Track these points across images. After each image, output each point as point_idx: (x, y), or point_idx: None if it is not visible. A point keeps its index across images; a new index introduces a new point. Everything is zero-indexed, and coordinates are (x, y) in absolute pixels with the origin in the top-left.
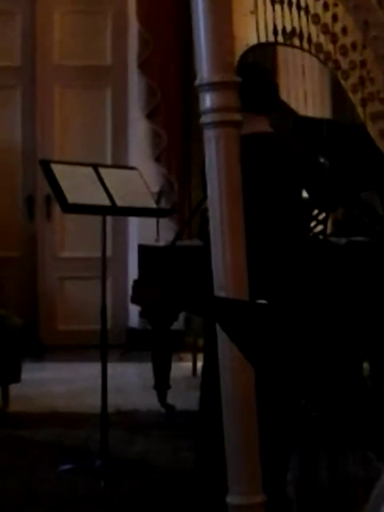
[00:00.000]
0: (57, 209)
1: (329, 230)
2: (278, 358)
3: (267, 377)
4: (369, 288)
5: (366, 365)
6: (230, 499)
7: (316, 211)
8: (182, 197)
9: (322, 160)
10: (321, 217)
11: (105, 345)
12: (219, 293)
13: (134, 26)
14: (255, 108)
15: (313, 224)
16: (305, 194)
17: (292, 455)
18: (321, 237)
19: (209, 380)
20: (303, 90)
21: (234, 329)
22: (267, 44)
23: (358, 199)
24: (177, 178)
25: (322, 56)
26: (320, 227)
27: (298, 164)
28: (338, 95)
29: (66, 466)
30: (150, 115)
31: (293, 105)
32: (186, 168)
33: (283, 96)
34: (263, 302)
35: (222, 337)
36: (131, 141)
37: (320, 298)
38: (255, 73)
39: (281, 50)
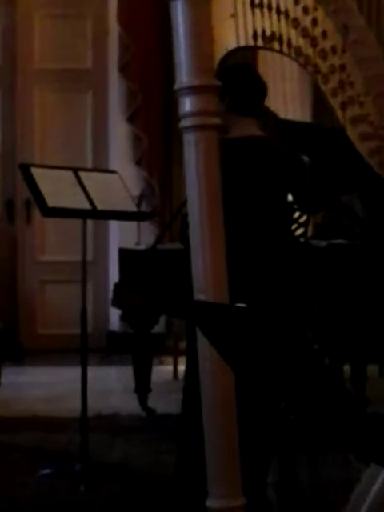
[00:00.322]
0: (37, 213)
1: (310, 233)
2: (257, 362)
3: (247, 380)
4: (349, 290)
5: (346, 367)
6: (210, 502)
7: (297, 214)
8: (162, 200)
9: (306, 160)
10: (302, 220)
11: (85, 348)
12: (199, 296)
13: (114, 30)
14: (244, 110)
15: (294, 227)
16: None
17: (272, 458)
18: (302, 239)
19: (191, 383)
20: (284, 94)
21: (213, 332)
22: (247, 48)
23: (338, 202)
24: (158, 182)
25: (301, 60)
26: (301, 230)
27: (285, 168)
28: (318, 98)
29: (46, 471)
30: (131, 118)
31: (273, 108)
32: (167, 171)
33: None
34: (243, 305)
35: (201, 340)
36: (112, 144)
37: (300, 301)
38: (245, 75)
39: (261, 53)
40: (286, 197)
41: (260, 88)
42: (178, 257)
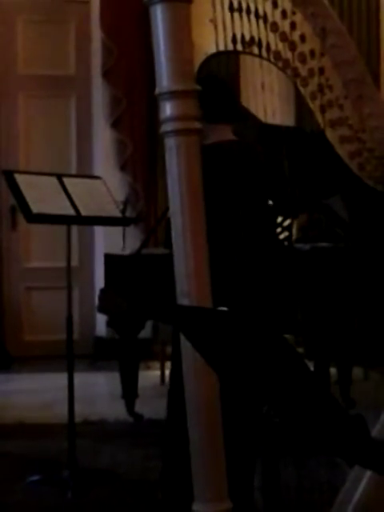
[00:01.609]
0: (22, 219)
1: (294, 236)
2: (241, 365)
3: (230, 384)
4: (333, 293)
5: (333, 370)
6: (197, 507)
7: (281, 218)
8: (147, 205)
9: (285, 162)
10: (286, 223)
11: (71, 355)
12: (182, 300)
13: (97, 35)
14: (215, 118)
15: (278, 231)
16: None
17: (257, 461)
18: (286, 243)
19: (176, 387)
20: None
21: (196, 336)
22: (226, 52)
23: (321, 205)
24: (142, 187)
25: (280, 64)
26: (285, 233)
27: (261, 171)
28: (301, 102)
29: (34, 477)
30: (115, 124)
31: (255, 112)
32: (152, 176)
33: (245, 103)
34: (225, 309)
35: (185, 344)
36: (96, 150)
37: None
38: (212, 84)
39: (243, 58)
40: (265, 200)
41: (229, 94)
42: (163, 261)
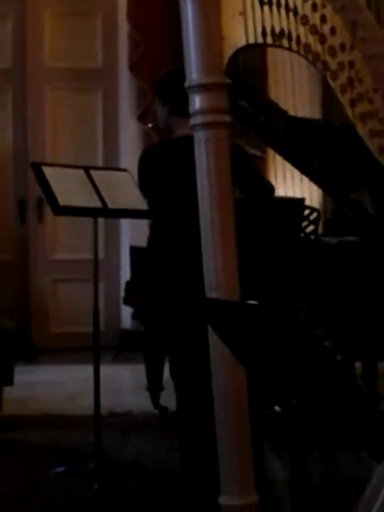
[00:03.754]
0: (48, 211)
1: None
2: (269, 359)
3: (258, 377)
4: (360, 287)
5: (358, 364)
6: (223, 500)
7: (307, 211)
8: None
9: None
10: (312, 217)
11: (97, 347)
12: (210, 294)
13: (124, 28)
14: (185, 112)
15: (304, 224)
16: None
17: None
18: (312, 237)
19: (183, 378)
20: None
21: (225, 329)
22: (256, 45)
23: (348, 198)
24: None
25: (310, 57)
26: (311, 227)
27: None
28: (328, 95)
29: (60, 469)
30: (141, 117)
31: (283, 105)
32: None
33: (273, 96)
34: (254, 302)
35: (213, 338)
36: (122, 142)
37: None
38: (183, 79)
39: (270, 51)
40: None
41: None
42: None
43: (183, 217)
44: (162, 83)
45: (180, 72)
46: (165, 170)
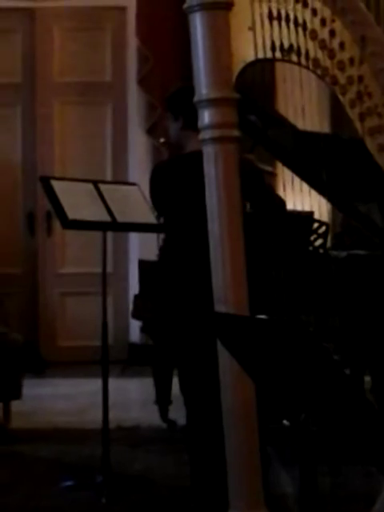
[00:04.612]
0: (57, 225)
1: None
2: (279, 373)
3: (268, 391)
4: (369, 301)
5: (367, 378)
6: None
7: (316, 225)
8: None
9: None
10: (321, 230)
11: (106, 360)
12: (219, 308)
13: (133, 42)
14: (196, 126)
15: (313, 237)
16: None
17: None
18: (321, 250)
19: (192, 394)
20: (301, 105)
21: (234, 344)
22: (265, 60)
23: (357, 212)
24: None
25: (319, 71)
26: (320, 241)
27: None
28: (336, 110)
29: (68, 483)
30: (150, 131)
31: (291, 119)
32: None
33: (282, 111)
34: (263, 317)
35: (222, 353)
36: (131, 156)
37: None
38: (192, 93)
39: (279, 65)
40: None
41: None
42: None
43: (195, 231)
44: (174, 98)
45: (191, 87)
46: (177, 184)
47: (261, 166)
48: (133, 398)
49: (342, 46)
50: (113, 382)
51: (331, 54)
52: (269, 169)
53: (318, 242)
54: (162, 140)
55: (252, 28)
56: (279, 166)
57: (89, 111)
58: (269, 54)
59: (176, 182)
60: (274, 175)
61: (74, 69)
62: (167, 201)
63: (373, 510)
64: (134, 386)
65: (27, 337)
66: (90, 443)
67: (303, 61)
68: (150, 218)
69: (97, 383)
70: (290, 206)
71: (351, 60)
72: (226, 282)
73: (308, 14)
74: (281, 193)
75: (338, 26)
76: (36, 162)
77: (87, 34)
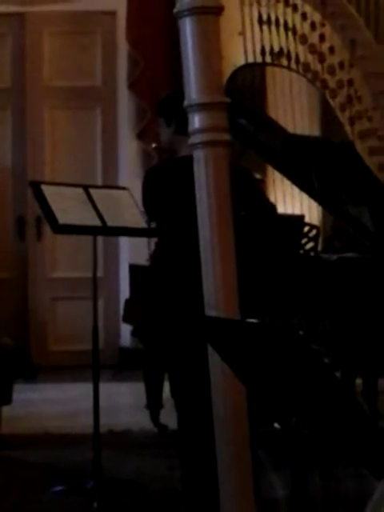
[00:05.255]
0: (48, 229)
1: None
2: (269, 376)
3: (258, 395)
4: (360, 304)
5: (358, 381)
6: None
7: (306, 228)
8: None
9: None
10: (312, 234)
11: (97, 365)
12: (210, 312)
13: (123, 46)
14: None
15: (304, 241)
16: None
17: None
18: (312, 253)
19: (183, 399)
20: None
21: (225, 348)
22: (255, 64)
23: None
24: None
25: (309, 75)
26: (311, 244)
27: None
28: (327, 113)
29: (59, 488)
30: (141, 135)
31: (282, 123)
32: None
33: (272, 115)
34: (254, 321)
35: (213, 357)
36: (121, 161)
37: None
38: (183, 98)
39: (269, 69)
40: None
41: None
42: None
43: (187, 236)
44: (166, 104)
45: (182, 92)
46: (170, 189)
47: (254, 175)
48: (124, 403)
49: (331, 50)
50: (104, 387)
51: (321, 58)
52: (259, 177)
53: (309, 246)
54: (153, 145)
55: (242, 32)
56: (270, 169)
57: (79, 115)
58: (259, 59)
59: (169, 186)
60: (262, 182)
61: (64, 73)
62: (160, 205)
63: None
64: (125, 390)
65: (18, 341)
66: (81, 448)
67: (293, 65)
68: (140, 222)
69: (88, 387)
70: (280, 210)
71: (341, 64)
72: (216, 286)
73: (298, 18)
74: (271, 197)
75: (327, 30)
76: (26, 167)
77: (77, 39)
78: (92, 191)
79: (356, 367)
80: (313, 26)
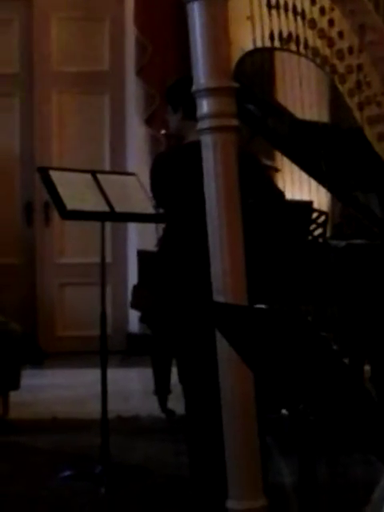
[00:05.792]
0: (56, 215)
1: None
2: (277, 362)
3: (266, 381)
4: (369, 290)
5: (366, 367)
6: (231, 504)
7: (315, 214)
8: None
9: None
10: (320, 220)
11: (105, 350)
12: (218, 297)
13: (131, 32)
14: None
15: (312, 227)
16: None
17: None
18: (320, 240)
19: (191, 384)
20: (300, 94)
21: (233, 334)
22: (264, 49)
23: (356, 201)
24: None
25: (318, 60)
26: (319, 230)
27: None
28: (335, 99)
29: (67, 473)
30: (149, 121)
31: (290, 108)
32: None
33: (281, 100)
34: (262, 306)
35: (221, 343)
36: (130, 146)
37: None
38: (191, 83)
39: (278, 54)
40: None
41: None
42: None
43: (196, 221)
44: (173, 90)
45: (190, 78)
46: (179, 174)
47: (264, 162)
48: (132, 388)
49: (340, 34)
50: (112, 372)
51: (330, 43)
52: (270, 163)
53: (318, 232)
54: (162, 132)
55: (251, 17)
56: (278, 155)
57: (87, 101)
58: (268, 43)
59: (178, 171)
60: (277, 171)
61: (72, 58)
62: (168, 190)
63: (372, 497)
64: (132, 376)
65: (26, 327)
66: (89, 433)
67: (302, 50)
68: (148, 208)
69: (96, 373)
70: (288, 196)
71: (350, 49)
72: (224, 272)
73: (307, 2)
74: (279, 183)
75: (336, 14)
76: (34, 152)
77: (85, 24)
78: (100, 177)
79: (364, 353)
80: (322, 10)
